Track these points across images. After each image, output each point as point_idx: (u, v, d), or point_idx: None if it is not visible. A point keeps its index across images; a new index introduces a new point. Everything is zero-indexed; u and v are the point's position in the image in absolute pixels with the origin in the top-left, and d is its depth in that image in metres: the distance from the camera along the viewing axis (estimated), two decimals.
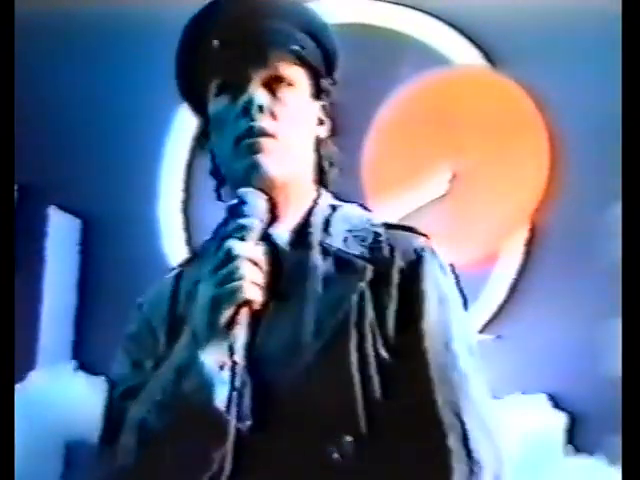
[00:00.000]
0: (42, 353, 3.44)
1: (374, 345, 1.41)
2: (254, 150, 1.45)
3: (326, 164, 1.57)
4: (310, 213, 1.52)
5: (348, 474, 1.36)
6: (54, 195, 3.52)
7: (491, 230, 3.38)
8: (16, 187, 3.26)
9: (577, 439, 3.14)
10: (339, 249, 1.47)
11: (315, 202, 1.54)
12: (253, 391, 1.38)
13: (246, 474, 1.37)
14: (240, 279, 1.34)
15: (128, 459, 1.40)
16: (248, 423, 1.37)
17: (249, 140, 1.45)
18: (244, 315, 1.35)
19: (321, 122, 1.56)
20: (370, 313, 1.42)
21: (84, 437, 2.86)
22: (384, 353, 1.41)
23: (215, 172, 1.56)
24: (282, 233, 1.49)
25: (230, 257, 1.35)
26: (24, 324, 3.22)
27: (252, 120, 1.45)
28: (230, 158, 1.49)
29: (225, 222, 1.45)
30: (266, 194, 1.43)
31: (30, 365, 3.42)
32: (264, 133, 1.45)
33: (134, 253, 3.42)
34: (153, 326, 1.52)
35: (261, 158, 1.45)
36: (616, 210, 2.90)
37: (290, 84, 1.49)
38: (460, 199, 3.38)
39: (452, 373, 1.42)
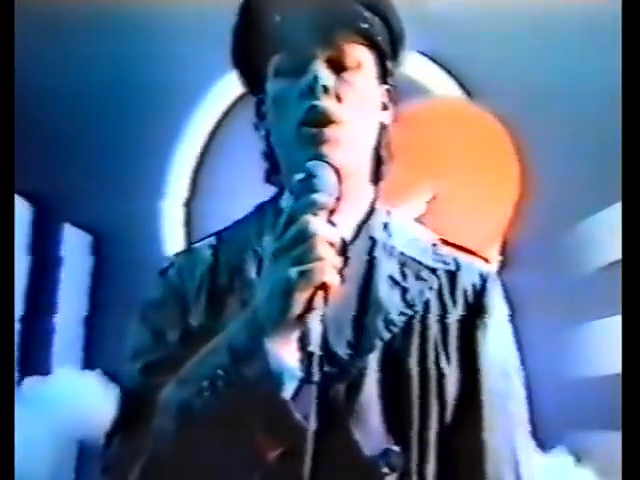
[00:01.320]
0: (56, 356, 3.26)
1: (436, 357, 1.23)
2: (319, 140, 1.24)
3: (385, 154, 1.36)
4: (371, 212, 1.32)
5: None
6: (68, 212, 3.34)
7: (468, 245, 3.25)
8: (32, 205, 3.21)
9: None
10: (402, 252, 1.28)
11: (373, 202, 1.34)
12: (319, 391, 1.14)
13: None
14: (318, 260, 1.09)
15: (165, 445, 1.16)
16: (314, 425, 1.13)
17: (313, 130, 1.24)
18: (321, 300, 1.10)
19: (385, 107, 1.35)
20: (435, 325, 1.24)
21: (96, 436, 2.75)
22: (445, 367, 1.23)
23: (269, 155, 1.34)
24: (346, 224, 1.28)
25: (306, 236, 1.10)
26: (40, 329, 3.14)
27: (316, 101, 1.24)
28: (291, 143, 1.27)
29: (278, 196, 1.28)
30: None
31: (44, 367, 3.24)
32: (328, 118, 1.24)
33: (140, 265, 3.22)
34: (183, 295, 1.29)
35: (326, 149, 1.23)
36: (582, 226, 2.95)
37: (357, 65, 1.28)
38: (439, 217, 3.26)
39: (509, 402, 1.26)
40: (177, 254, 1.39)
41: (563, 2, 3.02)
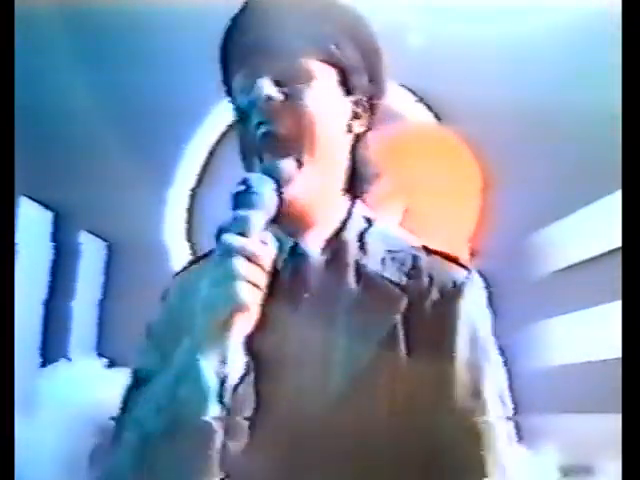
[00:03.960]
0: (73, 348, 3.03)
1: (404, 379, 1.00)
2: (272, 175, 1.02)
3: (361, 166, 1.12)
4: (344, 226, 1.09)
5: None
6: (84, 221, 3.11)
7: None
8: (52, 214, 3.02)
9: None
10: (375, 272, 1.05)
11: (349, 212, 1.11)
12: (256, 409, 0.97)
13: None
14: (235, 279, 0.90)
15: (127, 456, 0.98)
16: (242, 442, 0.95)
17: (268, 163, 1.03)
18: (239, 320, 0.91)
19: (356, 116, 1.11)
20: (402, 346, 1.01)
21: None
22: (415, 388, 1.00)
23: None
24: (313, 243, 1.07)
25: (226, 254, 0.92)
26: (57, 325, 2.94)
27: (263, 112, 1.03)
28: (249, 166, 1.06)
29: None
30: (279, 186, 1.00)
31: (62, 356, 3.02)
32: (282, 149, 1.03)
33: (147, 268, 2.94)
34: (177, 317, 1.08)
35: (282, 182, 1.02)
36: (544, 233, 2.73)
37: (309, 80, 1.05)
38: (411, 228, 3.14)
39: (479, 420, 1.03)
40: (177, 274, 1.19)
41: (526, 33, 2.81)
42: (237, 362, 0.93)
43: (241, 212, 0.94)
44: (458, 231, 3.10)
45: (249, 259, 0.91)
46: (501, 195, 2.93)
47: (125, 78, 2.88)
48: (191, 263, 1.19)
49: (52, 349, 2.96)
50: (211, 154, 3.02)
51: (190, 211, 3.06)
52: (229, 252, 0.91)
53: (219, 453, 0.93)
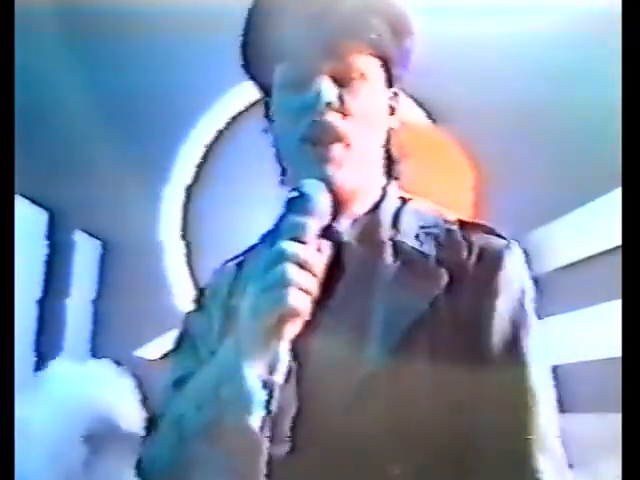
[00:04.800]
0: (67, 347, 3.00)
1: (450, 351, 0.97)
2: (321, 159, 1.01)
3: (396, 154, 1.13)
4: (378, 205, 1.08)
5: None
6: (79, 220, 3.07)
7: None
8: (47, 213, 2.99)
9: None
10: (412, 247, 1.03)
11: (384, 193, 1.10)
12: (296, 415, 0.95)
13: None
14: (286, 286, 0.88)
15: (165, 453, 0.97)
16: (285, 449, 0.94)
17: (316, 148, 1.01)
18: (288, 327, 0.89)
19: (392, 111, 1.11)
20: (446, 319, 0.99)
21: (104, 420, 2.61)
22: (459, 360, 0.97)
23: (278, 159, 1.11)
24: (347, 225, 1.06)
25: (278, 260, 0.89)
26: (52, 323, 2.92)
27: (318, 117, 1.01)
28: (295, 155, 1.05)
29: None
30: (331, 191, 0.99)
31: (56, 355, 2.99)
32: (332, 134, 1.01)
33: (142, 267, 2.98)
34: (210, 313, 1.09)
35: (328, 169, 1.02)
36: (544, 231, 2.68)
37: (361, 76, 1.05)
38: None
39: (525, 393, 1.00)
40: (214, 272, 1.17)
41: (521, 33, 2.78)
42: (283, 368, 0.91)
43: (296, 218, 0.92)
44: None
45: (302, 266, 0.89)
46: (501, 194, 2.87)
47: (121, 77, 2.85)
48: (227, 262, 1.17)
49: (46, 348, 2.93)
50: (207, 153, 2.99)
51: (185, 209, 3.03)
52: (282, 258, 0.89)
53: (263, 458, 0.90)
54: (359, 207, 1.07)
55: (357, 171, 1.04)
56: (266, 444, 0.90)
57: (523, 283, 1.05)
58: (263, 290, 0.89)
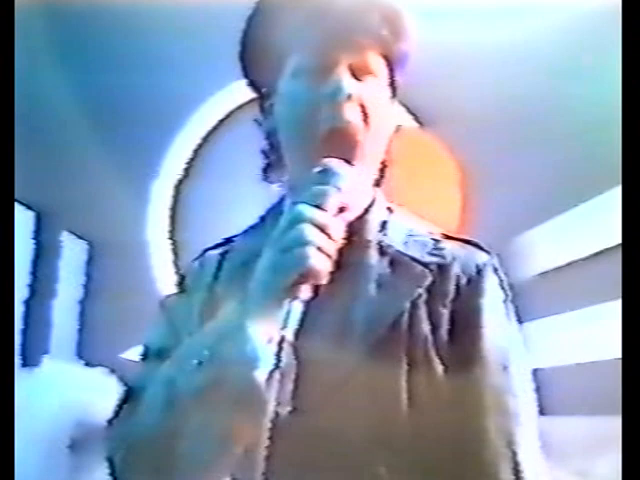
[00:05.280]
0: (53, 348, 2.96)
1: (425, 354, 0.99)
2: (339, 149, 1.00)
3: (388, 160, 1.13)
4: (368, 210, 1.10)
5: None
6: (65, 221, 3.02)
7: None
8: (34, 214, 2.93)
9: None
10: (397, 250, 1.06)
11: (373, 200, 1.12)
12: (296, 375, 0.97)
13: (273, 459, 0.92)
14: (306, 244, 0.89)
15: (152, 416, 0.95)
16: (288, 409, 0.96)
17: (335, 146, 1.00)
18: (307, 286, 0.90)
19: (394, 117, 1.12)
20: (424, 321, 1.01)
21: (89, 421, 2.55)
22: (436, 364, 0.99)
23: (271, 152, 1.10)
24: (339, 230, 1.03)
25: (298, 221, 0.90)
26: (38, 324, 2.87)
27: (339, 109, 1.01)
28: (308, 144, 1.04)
29: (280, 202, 1.08)
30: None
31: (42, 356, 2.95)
32: (351, 131, 1.02)
33: (129, 269, 2.94)
34: (191, 299, 1.10)
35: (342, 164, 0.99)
36: (525, 237, 2.68)
37: (374, 73, 1.05)
38: None
39: (507, 397, 1.00)
40: (194, 260, 1.18)
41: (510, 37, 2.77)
42: (293, 327, 0.92)
43: (319, 187, 0.92)
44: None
45: (322, 229, 0.90)
46: (500, 193, 2.84)
47: (108, 76, 2.82)
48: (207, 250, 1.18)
49: (32, 349, 2.89)
50: (196, 153, 2.96)
51: (173, 210, 2.99)
52: (302, 219, 0.90)
53: (266, 417, 0.91)
54: (352, 211, 1.05)
55: (355, 180, 1.01)
56: (272, 403, 0.91)
57: (502, 294, 1.07)
58: (283, 249, 0.90)
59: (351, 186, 0.94)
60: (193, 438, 0.91)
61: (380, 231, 1.08)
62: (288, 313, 0.91)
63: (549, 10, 2.67)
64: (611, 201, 2.23)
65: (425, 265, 1.04)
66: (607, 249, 2.35)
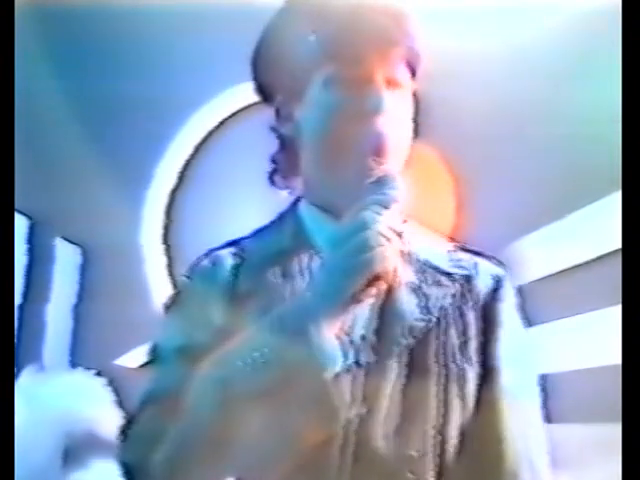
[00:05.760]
0: (47, 354, 2.90)
1: (454, 357, 1.04)
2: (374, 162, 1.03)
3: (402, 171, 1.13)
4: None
5: None
6: (59, 227, 2.93)
7: None
8: (27, 220, 2.87)
9: None
10: (421, 260, 1.09)
11: None
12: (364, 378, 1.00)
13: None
14: (376, 248, 0.93)
15: (202, 417, 0.95)
16: (364, 410, 0.99)
17: (374, 164, 1.02)
18: (376, 288, 0.95)
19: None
20: (453, 330, 1.05)
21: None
22: (464, 367, 1.04)
23: (282, 157, 1.12)
24: None
25: (366, 226, 0.94)
26: (31, 330, 2.81)
27: (376, 122, 1.03)
28: (340, 152, 1.05)
29: (296, 204, 1.11)
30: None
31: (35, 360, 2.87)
32: (384, 140, 1.04)
33: (123, 274, 2.84)
34: (206, 299, 1.08)
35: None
36: (517, 245, 2.67)
37: (403, 86, 1.08)
38: None
39: (525, 405, 1.07)
40: (200, 258, 1.17)
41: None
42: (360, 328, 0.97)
43: (377, 196, 0.96)
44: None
45: (387, 235, 0.94)
46: (500, 196, 2.76)
47: (101, 81, 2.79)
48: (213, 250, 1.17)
49: (25, 354, 2.86)
50: (192, 157, 2.94)
51: (168, 213, 2.97)
52: (369, 225, 0.94)
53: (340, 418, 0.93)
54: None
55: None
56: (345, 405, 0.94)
57: (518, 303, 1.12)
58: (353, 254, 0.93)
59: (403, 196, 0.98)
60: (255, 437, 0.92)
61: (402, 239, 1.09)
62: (357, 314, 0.97)
63: (548, 11, 2.65)
64: (611, 206, 2.21)
65: (449, 275, 1.07)
66: (606, 254, 2.34)
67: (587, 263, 2.50)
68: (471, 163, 2.92)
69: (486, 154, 2.79)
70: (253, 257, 1.10)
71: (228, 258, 1.12)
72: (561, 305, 2.53)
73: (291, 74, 1.08)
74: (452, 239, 1.16)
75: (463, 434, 1.02)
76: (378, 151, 1.04)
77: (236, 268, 1.10)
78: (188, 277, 1.16)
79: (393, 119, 1.05)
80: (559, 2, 2.70)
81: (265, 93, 1.14)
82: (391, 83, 1.06)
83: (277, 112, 1.12)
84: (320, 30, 1.05)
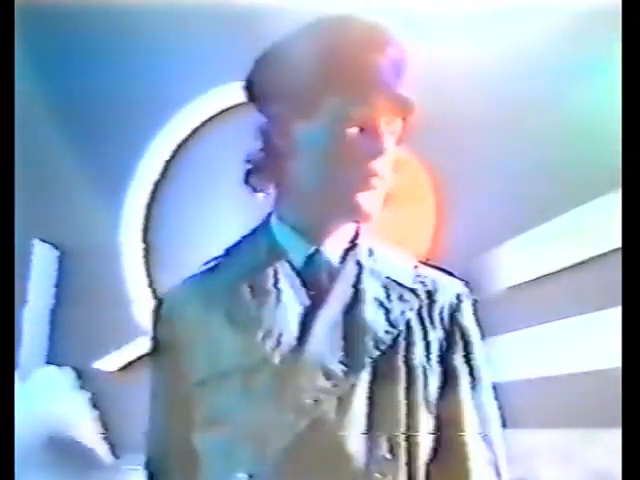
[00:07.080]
0: (23, 355, 2.88)
1: (422, 373, 1.06)
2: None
3: None
4: (356, 236, 1.12)
5: None
6: (37, 229, 2.93)
7: None
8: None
9: None
10: (387, 276, 1.10)
11: (358, 230, 1.14)
12: None
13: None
14: None
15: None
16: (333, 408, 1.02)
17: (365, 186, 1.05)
18: None
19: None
20: (418, 342, 1.07)
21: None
22: (431, 381, 1.07)
23: (263, 159, 1.10)
24: (334, 250, 1.11)
25: None
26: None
27: (375, 164, 1.04)
28: (334, 179, 1.05)
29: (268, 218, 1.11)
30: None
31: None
32: (380, 181, 1.06)
33: (100, 276, 2.84)
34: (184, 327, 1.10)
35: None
36: (495, 252, 2.65)
37: (395, 125, 1.07)
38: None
39: (488, 409, 1.10)
40: (169, 291, 1.18)
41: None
42: None
43: None
44: (413, 248, 3.05)
45: None
46: (500, 193, 2.74)
47: (80, 80, 2.74)
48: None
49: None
50: (172, 158, 2.88)
51: (147, 216, 2.91)
52: None
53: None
54: (345, 232, 1.12)
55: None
56: None
57: (476, 326, 1.14)
58: None
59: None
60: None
61: (370, 256, 1.11)
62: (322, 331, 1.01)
63: (548, 11, 2.64)
64: (610, 205, 2.19)
65: (412, 291, 1.10)
66: (605, 253, 2.32)
67: (586, 262, 2.49)
68: (471, 163, 2.88)
69: (486, 154, 2.76)
70: (226, 276, 1.10)
71: (197, 283, 1.13)
72: (558, 307, 2.53)
73: (297, 92, 1.07)
74: (428, 253, 1.19)
75: (430, 437, 1.05)
76: (369, 188, 1.06)
77: (207, 291, 1.10)
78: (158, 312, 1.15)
79: (388, 156, 1.07)
80: (559, 2, 2.69)
81: (255, 94, 1.13)
82: (389, 124, 1.06)
83: (271, 119, 1.11)
84: (322, 61, 1.05)
